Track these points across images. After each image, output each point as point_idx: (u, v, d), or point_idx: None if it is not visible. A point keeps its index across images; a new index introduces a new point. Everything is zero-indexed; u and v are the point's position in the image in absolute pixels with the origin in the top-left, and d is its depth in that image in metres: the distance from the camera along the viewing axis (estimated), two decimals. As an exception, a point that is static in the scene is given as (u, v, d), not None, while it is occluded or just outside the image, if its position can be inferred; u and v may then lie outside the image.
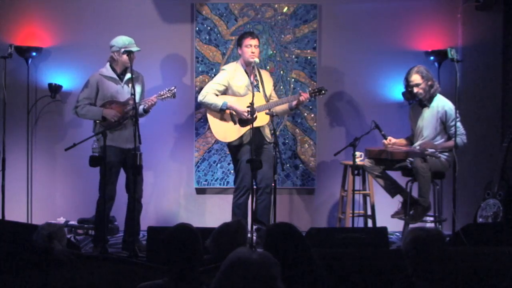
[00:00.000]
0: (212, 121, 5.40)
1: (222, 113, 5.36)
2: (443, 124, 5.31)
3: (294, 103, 5.39)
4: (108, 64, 5.22)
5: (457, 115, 5.21)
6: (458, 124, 5.22)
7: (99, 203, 5.19)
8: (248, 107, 5.27)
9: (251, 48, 5.31)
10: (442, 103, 5.32)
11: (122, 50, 5.11)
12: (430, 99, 5.35)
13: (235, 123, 5.35)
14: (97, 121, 5.17)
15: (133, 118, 4.90)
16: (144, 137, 5.15)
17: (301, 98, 5.32)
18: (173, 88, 5.24)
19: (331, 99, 6.19)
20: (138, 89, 5.22)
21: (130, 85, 5.12)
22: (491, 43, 6.16)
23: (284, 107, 5.46)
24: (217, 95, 5.37)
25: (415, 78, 5.30)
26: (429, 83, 5.29)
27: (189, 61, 6.15)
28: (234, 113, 5.34)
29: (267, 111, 5.26)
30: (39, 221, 5.12)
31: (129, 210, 5.27)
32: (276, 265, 1.88)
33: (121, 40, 5.16)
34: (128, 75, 5.16)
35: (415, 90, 5.31)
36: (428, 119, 5.35)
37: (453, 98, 5.22)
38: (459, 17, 5.99)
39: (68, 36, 6.10)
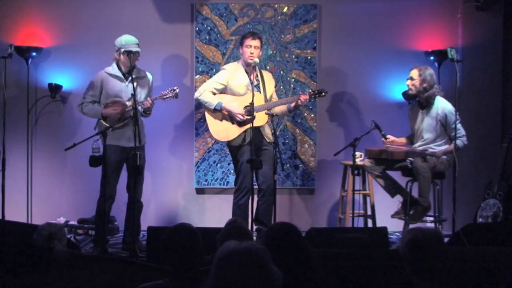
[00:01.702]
0: (210, 120, 5.40)
1: (219, 112, 5.36)
2: (443, 126, 5.29)
3: (293, 105, 5.38)
4: (114, 63, 5.24)
5: (457, 116, 5.20)
6: (459, 125, 5.21)
7: (99, 203, 5.19)
8: (246, 107, 5.28)
9: (250, 49, 5.30)
10: (442, 106, 5.30)
11: (122, 50, 5.12)
12: (427, 100, 5.32)
13: (233, 123, 5.35)
14: (99, 119, 5.19)
15: (134, 118, 4.91)
16: (144, 137, 5.16)
17: (299, 101, 5.31)
18: (175, 88, 5.24)
19: (331, 99, 6.19)
20: (143, 90, 5.23)
21: (136, 84, 5.14)
22: (491, 43, 6.15)
23: (283, 108, 5.45)
24: (214, 93, 5.37)
25: (413, 73, 5.31)
26: (424, 84, 5.26)
27: (189, 61, 6.15)
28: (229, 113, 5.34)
29: (266, 111, 5.27)
30: (39, 221, 5.12)
31: (129, 210, 5.27)
32: (265, 251, 1.90)
33: (120, 40, 5.17)
34: (133, 75, 5.18)
35: (407, 82, 5.32)
36: (428, 121, 5.34)
37: (453, 98, 5.22)
38: (459, 17, 5.99)
39: (68, 36, 6.10)
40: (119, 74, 5.22)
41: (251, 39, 5.31)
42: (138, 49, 5.16)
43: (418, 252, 2.64)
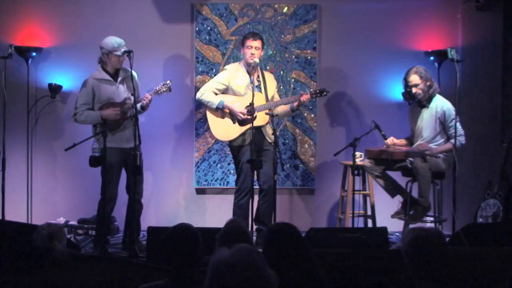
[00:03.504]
0: (212, 120, 5.40)
1: (220, 112, 5.37)
2: (442, 124, 5.30)
3: (295, 104, 5.38)
4: (99, 66, 5.22)
5: (456, 116, 5.20)
6: (458, 124, 5.21)
7: (100, 204, 5.18)
8: (247, 107, 5.29)
9: (251, 50, 5.30)
10: (441, 104, 5.32)
11: (116, 53, 5.08)
12: (429, 99, 5.34)
13: (234, 122, 5.36)
14: (97, 124, 5.17)
15: (133, 118, 4.90)
16: (144, 137, 5.15)
17: (302, 99, 5.31)
18: (168, 82, 5.23)
19: (331, 99, 6.19)
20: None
21: (125, 84, 5.13)
22: (491, 43, 6.15)
23: (285, 108, 5.46)
24: (216, 93, 5.38)
25: (414, 79, 5.31)
26: (428, 83, 5.29)
27: (189, 61, 6.15)
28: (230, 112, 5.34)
29: (267, 111, 5.27)
30: (39, 221, 5.13)
31: (129, 210, 5.26)
32: (259, 255, 1.87)
33: (111, 44, 5.12)
34: (121, 75, 5.17)
35: (414, 90, 5.31)
36: (427, 119, 5.35)
37: (453, 98, 5.23)
38: (459, 17, 5.99)
39: (68, 36, 6.10)
40: (107, 77, 5.20)
41: (252, 39, 5.32)
42: (129, 49, 5.05)
43: (420, 251, 2.64)
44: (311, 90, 5.54)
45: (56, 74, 6.07)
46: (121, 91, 5.19)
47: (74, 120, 5.25)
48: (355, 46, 6.17)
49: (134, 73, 5.31)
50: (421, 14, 6.20)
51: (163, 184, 6.19)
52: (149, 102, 5.17)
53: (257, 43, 5.33)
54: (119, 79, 5.20)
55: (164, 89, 5.21)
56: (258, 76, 5.40)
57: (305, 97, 5.31)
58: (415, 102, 5.50)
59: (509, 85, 6.15)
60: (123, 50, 5.07)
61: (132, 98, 5.00)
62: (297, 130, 6.19)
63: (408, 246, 2.69)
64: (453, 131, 5.19)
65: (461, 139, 5.26)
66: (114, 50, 5.11)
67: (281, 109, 5.46)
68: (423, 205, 5.23)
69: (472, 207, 5.78)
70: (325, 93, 5.42)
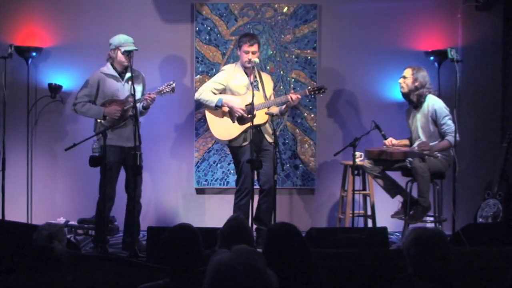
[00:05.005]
0: (211, 120, 5.40)
1: (220, 111, 5.36)
2: (435, 122, 5.29)
3: (284, 107, 5.37)
4: (108, 62, 5.24)
5: (448, 112, 5.20)
6: (450, 122, 5.20)
7: (99, 204, 5.19)
8: (246, 105, 5.29)
9: (248, 55, 5.29)
10: (432, 103, 5.31)
11: (122, 49, 5.12)
12: (419, 99, 5.33)
13: (233, 121, 5.36)
14: (99, 120, 5.18)
15: (133, 118, 4.90)
16: (144, 137, 5.15)
17: (291, 99, 5.26)
18: (171, 82, 5.24)
19: (331, 99, 6.19)
20: (139, 88, 5.23)
21: (130, 83, 5.14)
22: (491, 43, 6.15)
23: (278, 109, 5.45)
24: (214, 93, 5.38)
25: (406, 72, 5.35)
26: (416, 84, 5.28)
27: (189, 61, 6.15)
28: (230, 110, 5.34)
29: (266, 110, 5.27)
30: (39, 221, 5.13)
31: (128, 210, 5.27)
32: (258, 256, 1.87)
33: (117, 39, 5.17)
34: (128, 74, 5.18)
35: (400, 80, 5.35)
36: (421, 119, 5.35)
37: (453, 98, 5.22)
38: (459, 17, 5.99)
39: (68, 36, 6.10)
40: (115, 73, 5.22)
41: (248, 45, 5.29)
42: (136, 48, 5.16)
43: (422, 251, 2.64)
44: (309, 87, 5.53)
45: (56, 74, 6.07)
46: (126, 90, 5.20)
47: (73, 109, 5.25)
48: (355, 46, 6.17)
49: (142, 74, 5.37)
50: (421, 14, 6.20)
51: (163, 184, 6.19)
52: (152, 101, 5.18)
53: (254, 48, 5.31)
54: (126, 77, 5.21)
55: (168, 90, 5.22)
56: (255, 76, 5.40)
57: (294, 97, 5.28)
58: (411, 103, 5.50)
59: (509, 85, 6.15)
60: (126, 47, 5.09)
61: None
62: (297, 130, 6.19)
63: (410, 245, 2.69)
64: (445, 128, 5.20)
65: (455, 136, 5.26)
66: (120, 46, 5.13)
67: (276, 109, 5.45)
68: (423, 205, 5.23)
69: (472, 207, 5.78)
70: (323, 90, 5.41)
